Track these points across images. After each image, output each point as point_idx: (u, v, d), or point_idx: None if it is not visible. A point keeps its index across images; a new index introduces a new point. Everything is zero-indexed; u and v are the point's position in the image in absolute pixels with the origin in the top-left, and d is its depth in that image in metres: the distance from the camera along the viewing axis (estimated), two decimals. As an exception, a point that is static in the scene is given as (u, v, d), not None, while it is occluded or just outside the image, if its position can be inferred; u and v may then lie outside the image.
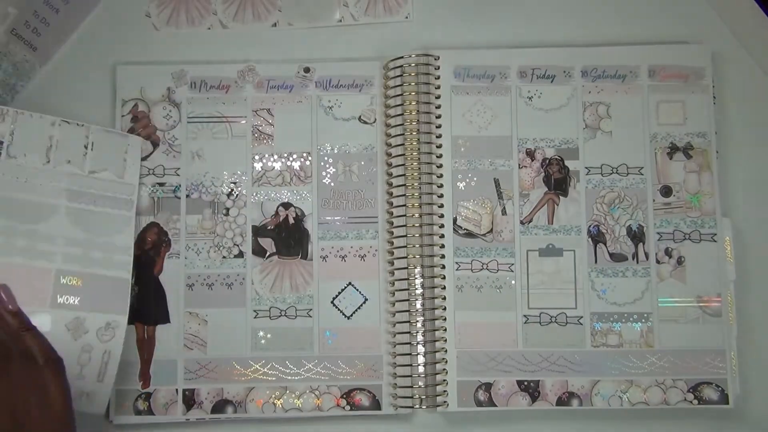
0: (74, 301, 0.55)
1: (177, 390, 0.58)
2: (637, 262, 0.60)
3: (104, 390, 0.56)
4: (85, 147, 0.58)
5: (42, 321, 0.54)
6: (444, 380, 0.58)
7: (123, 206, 0.58)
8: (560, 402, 0.58)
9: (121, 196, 0.58)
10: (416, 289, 0.59)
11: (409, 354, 0.58)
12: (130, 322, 0.59)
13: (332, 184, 0.61)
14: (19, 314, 0.50)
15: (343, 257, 0.60)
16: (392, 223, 0.60)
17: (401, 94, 0.61)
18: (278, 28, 0.63)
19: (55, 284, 0.55)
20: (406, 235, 0.59)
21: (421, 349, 0.58)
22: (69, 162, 0.57)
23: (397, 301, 0.59)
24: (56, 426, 0.46)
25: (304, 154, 0.61)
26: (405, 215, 0.60)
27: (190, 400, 0.58)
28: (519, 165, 0.61)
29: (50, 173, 0.56)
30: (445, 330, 0.59)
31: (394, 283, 0.59)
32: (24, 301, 0.51)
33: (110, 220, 0.58)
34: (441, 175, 0.60)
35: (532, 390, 0.58)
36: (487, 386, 0.58)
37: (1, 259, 0.54)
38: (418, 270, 0.59)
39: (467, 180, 0.61)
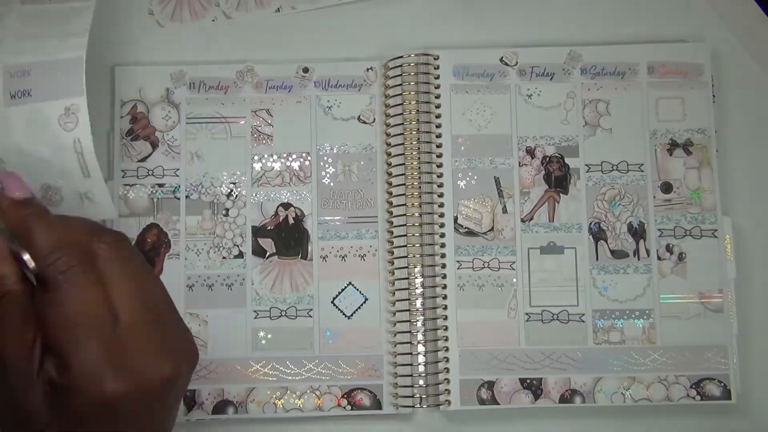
0: (27, 94, 0.49)
1: (177, 391, 0.58)
2: (639, 259, 0.60)
3: (98, 186, 0.50)
4: None
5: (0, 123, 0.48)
6: (446, 379, 0.58)
7: None
8: (563, 399, 0.58)
9: None
10: (417, 288, 0.59)
11: (410, 353, 0.58)
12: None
13: (332, 184, 0.61)
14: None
15: (343, 257, 0.60)
16: (392, 223, 0.60)
17: (401, 94, 0.61)
18: (282, 14, 0.63)
19: (6, 80, 0.49)
20: (406, 235, 0.59)
21: (421, 348, 0.58)
22: None
23: (397, 300, 0.59)
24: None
25: (304, 154, 0.61)
26: (405, 214, 0.60)
27: (190, 401, 0.58)
28: (519, 163, 0.61)
29: None
30: (446, 329, 0.59)
31: (394, 283, 0.59)
32: None
33: (64, 13, 0.52)
34: (441, 174, 0.60)
35: (534, 388, 0.58)
36: (490, 384, 0.58)
37: None
38: (418, 269, 0.59)
39: (467, 179, 0.61)
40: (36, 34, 0.50)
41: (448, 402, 0.58)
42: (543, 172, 0.61)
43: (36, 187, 0.49)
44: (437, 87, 0.61)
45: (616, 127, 0.61)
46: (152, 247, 0.59)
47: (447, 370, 0.58)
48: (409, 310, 0.59)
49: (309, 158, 0.61)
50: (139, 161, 0.61)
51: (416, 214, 0.60)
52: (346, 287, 0.60)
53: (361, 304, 0.60)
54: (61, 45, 0.50)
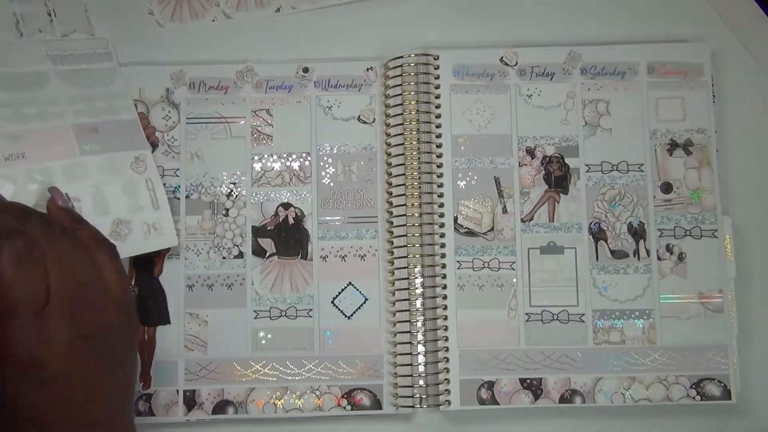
0: (99, 147, 0.58)
1: (178, 391, 0.58)
2: (639, 259, 0.60)
3: (165, 217, 0.59)
4: (49, 15, 0.60)
5: (77, 169, 0.57)
6: (446, 379, 0.58)
7: (103, 59, 0.61)
8: (563, 399, 0.58)
9: (97, 51, 0.61)
10: (417, 288, 0.59)
11: (410, 353, 0.58)
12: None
13: (332, 184, 0.61)
14: (70, 211, 0.54)
15: (343, 257, 0.60)
16: (392, 223, 0.60)
17: (401, 94, 0.61)
18: (282, 14, 0.63)
19: (77, 136, 0.58)
20: (406, 235, 0.59)
21: (421, 348, 0.58)
22: (40, 31, 0.60)
23: (397, 300, 0.59)
24: (114, 307, 0.47)
25: (304, 154, 0.61)
26: (405, 215, 0.60)
27: (190, 401, 0.58)
28: (519, 163, 0.61)
29: (28, 45, 0.59)
30: (446, 329, 0.59)
31: (394, 283, 0.59)
32: (57, 157, 0.56)
33: (98, 75, 0.60)
34: (441, 174, 0.60)
35: (534, 388, 0.58)
36: (490, 384, 0.58)
37: (20, 126, 0.56)
38: (418, 269, 0.59)
39: (467, 179, 0.61)
40: (85, 96, 0.59)
41: (448, 402, 0.58)
42: (543, 172, 0.61)
43: (108, 222, 0.57)
44: (437, 87, 0.61)
45: (616, 127, 0.61)
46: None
47: (447, 370, 0.58)
48: (409, 310, 0.59)
49: (309, 158, 0.61)
50: (139, 161, 0.61)
51: (416, 214, 0.60)
52: (346, 287, 0.60)
53: (361, 304, 0.60)
54: (112, 108, 0.60)
